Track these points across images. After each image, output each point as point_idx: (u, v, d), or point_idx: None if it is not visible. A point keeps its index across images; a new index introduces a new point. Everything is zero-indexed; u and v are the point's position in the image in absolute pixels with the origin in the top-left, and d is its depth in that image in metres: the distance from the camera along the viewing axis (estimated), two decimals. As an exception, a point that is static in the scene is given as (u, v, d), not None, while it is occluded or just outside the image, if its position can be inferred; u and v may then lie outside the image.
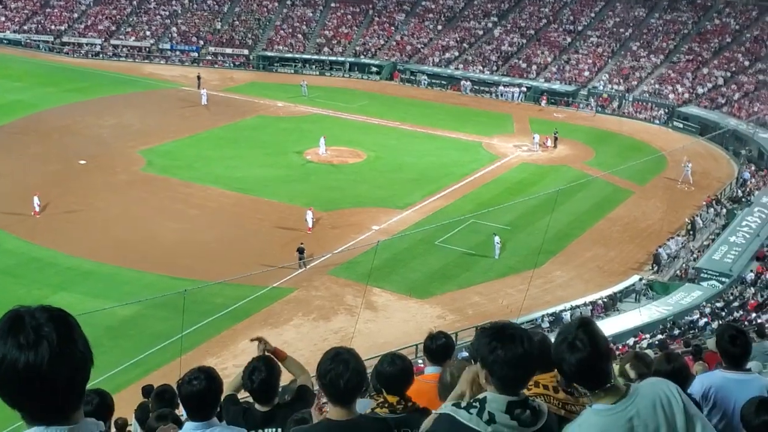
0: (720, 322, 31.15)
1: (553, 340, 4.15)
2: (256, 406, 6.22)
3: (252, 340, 6.98)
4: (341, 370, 4.60)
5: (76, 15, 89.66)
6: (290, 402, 6.40)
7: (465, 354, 31.48)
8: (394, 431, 4.91)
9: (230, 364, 31.76)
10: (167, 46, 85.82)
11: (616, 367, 7.63)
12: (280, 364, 6.86)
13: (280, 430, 6.06)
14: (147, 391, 12.67)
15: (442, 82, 77.30)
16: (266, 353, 6.76)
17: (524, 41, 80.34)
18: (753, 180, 51.86)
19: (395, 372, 5.42)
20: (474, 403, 3.94)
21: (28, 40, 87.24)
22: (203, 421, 5.37)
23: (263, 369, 6.09)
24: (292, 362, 7.07)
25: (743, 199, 48.84)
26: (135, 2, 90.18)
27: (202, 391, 5.32)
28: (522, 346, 3.86)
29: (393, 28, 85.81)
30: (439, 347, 6.54)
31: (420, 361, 31.62)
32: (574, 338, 3.88)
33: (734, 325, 8.68)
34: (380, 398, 5.32)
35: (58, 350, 2.53)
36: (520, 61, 78.11)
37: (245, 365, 6.74)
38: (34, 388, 2.54)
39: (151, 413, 8.14)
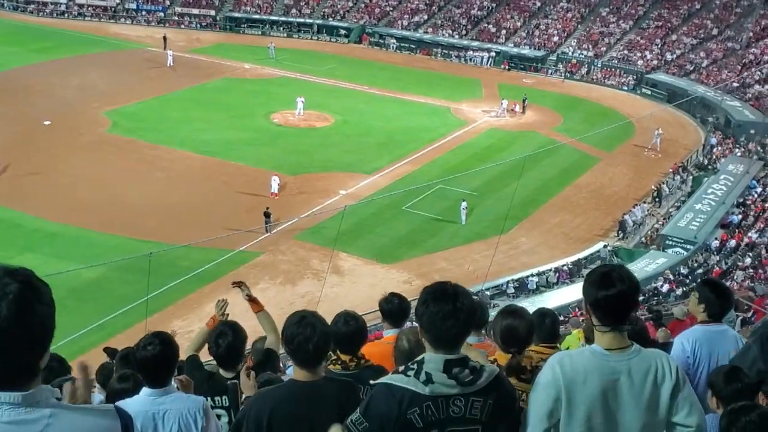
0: (684, 289, 31.54)
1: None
2: (221, 371, 6.16)
3: (233, 284, 7.02)
4: (309, 333, 4.55)
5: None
6: (255, 368, 6.37)
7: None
8: (360, 390, 4.90)
9: (196, 327, 31.48)
10: (133, 5, 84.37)
11: (580, 335, 7.67)
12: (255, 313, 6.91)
13: (244, 396, 6.04)
14: (110, 352, 12.51)
15: (411, 45, 76.87)
16: (246, 298, 6.86)
17: (494, 5, 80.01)
18: (719, 147, 52.27)
19: (349, 332, 5.47)
20: (411, 366, 3.93)
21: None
22: (159, 388, 5.31)
23: (230, 333, 6.05)
24: (266, 317, 7.06)
25: (709, 167, 49.25)
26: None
27: (156, 356, 5.26)
28: (453, 302, 3.85)
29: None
30: (394, 308, 6.61)
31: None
32: (613, 273, 4.04)
33: (718, 281, 8.76)
34: (333, 355, 5.34)
35: (15, 314, 2.45)
36: (490, 26, 77.84)
37: (207, 327, 6.73)
38: None
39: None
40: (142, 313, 27.96)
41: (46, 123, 52.01)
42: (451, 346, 3.91)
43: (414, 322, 4.57)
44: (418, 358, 3.95)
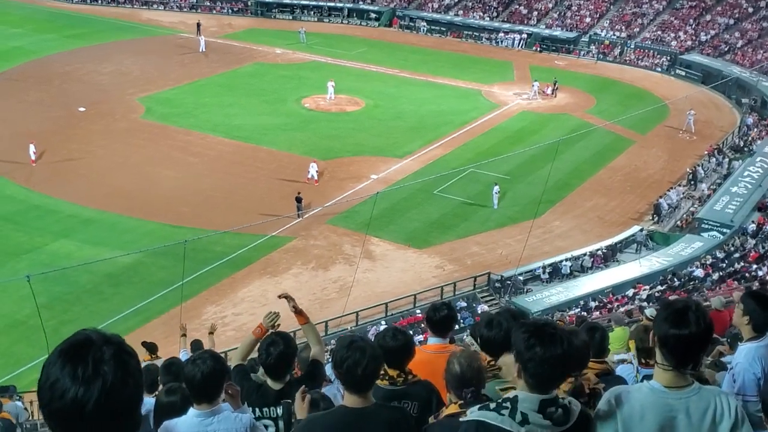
0: (720, 273, 31.20)
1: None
2: (269, 382, 6.15)
3: (280, 296, 7.00)
4: (358, 357, 4.52)
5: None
6: (302, 379, 6.36)
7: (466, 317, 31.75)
8: (411, 419, 4.88)
9: (230, 312, 32.02)
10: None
11: (619, 336, 7.62)
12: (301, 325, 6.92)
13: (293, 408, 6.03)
14: (148, 346, 12.64)
15: (442, 28, 76.53)
16: (293, 310, 6.82)
17: (526, -13, 79.40)
18: (756, 129, 51.56)
19: (397, 346, 5.43)
20: (504, 404, 3.86)
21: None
22: (208, 405, 5.32)
23: (281, 343, 6.03)
24: (312, 329, 7.06)
25: (745, 149, 48.61)
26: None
27: (205, 372, 5.28)
28: (561, 346, 3.80)
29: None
30: (442, 318, 6.54)
31: (418, 311, 31.86)
32: (690, 311, 3.90)
33: (763, 292, 8.59)
34: (381, 371, 5.32)
35: (110, 391, 2.47)
36: (521, 7, 77.24)
37: (253, 335, 6.72)
38: (74, 420, 2.48)
39: (161, 385, 8.18)
40: (177, 299, 28.32)
41: (81, 109, 52.48)
42: (551, 388, 3.88)
43: (468, 338, 4.49)
44: (510, 396, 3.89)
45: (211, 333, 13.79)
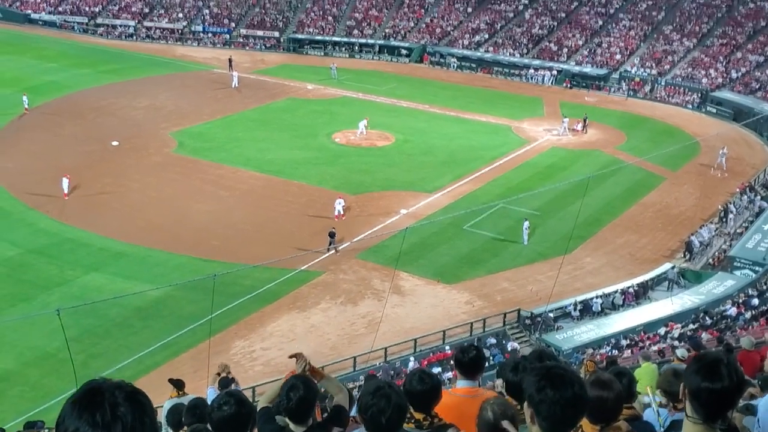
0: (752, 312, 30.77)
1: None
2: (291, 426, 6.15)
3: (291, 356, 6.89)
4: (383, 405, 4.51)
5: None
6: (324, 423, 6.33)
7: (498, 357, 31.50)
8: None
9: (258, 347, 32.02)
10: (199, 28, 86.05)
11: (646, 372, 7.55)
12: (317, 383, 6.84)
13: None
14: (176, 384, 12.60)
15: (472, 64, 76.85)
16: (305, 371, 6.73)
17: (555, 24, 79.58)
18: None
19: (424, 390, 5.39)
20: None
21: (63, 22, 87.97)
22: None
23: (301, 387, 6.01)
24: (330, 381, 7.01)
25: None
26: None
27: (233, 415, 5.33)
28: (572, 388, 3.74)
29: (423, 10, 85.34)
30: (471, 360, 6.47)
31: (447, 347, 31.67)
32: (722, 364, 3.83)
33: None
34: (407, 414, 5.29)
35: (135, 415, 2.52)
36: (551, 44, 77.40)
37: (283, 382, 6.68)
38: None
39: (186, 426, 8.19)
40: (205, 333, 28.45)
41: (114, 144, 53.14)
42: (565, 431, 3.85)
43: (496, 382, 4.48)
44: None
45: (228, 373, 13.61)
